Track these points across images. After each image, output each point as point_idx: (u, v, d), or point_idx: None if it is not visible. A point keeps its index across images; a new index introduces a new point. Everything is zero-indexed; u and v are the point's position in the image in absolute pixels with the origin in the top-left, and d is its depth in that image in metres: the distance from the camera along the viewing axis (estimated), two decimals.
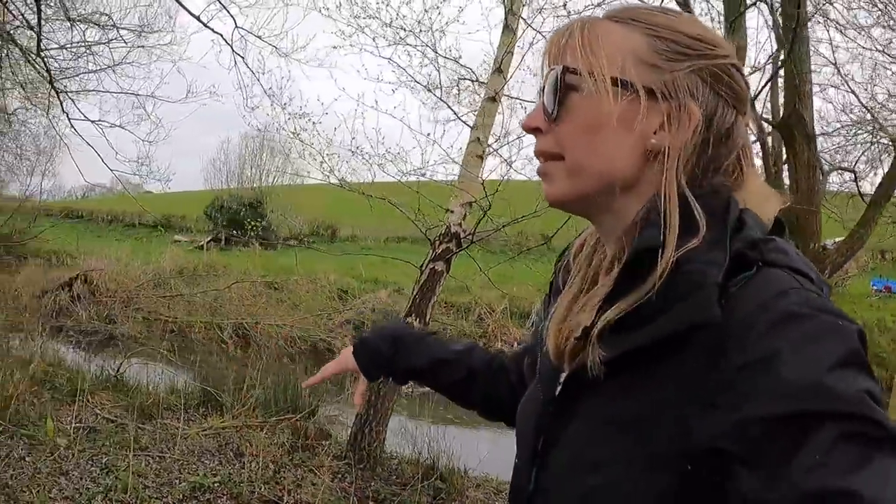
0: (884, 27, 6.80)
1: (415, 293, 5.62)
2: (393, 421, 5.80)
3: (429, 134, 5.81)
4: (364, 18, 6.52)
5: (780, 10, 5.11)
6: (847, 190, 7.69)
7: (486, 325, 12.32)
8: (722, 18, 5.13)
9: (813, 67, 5.42)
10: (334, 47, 7.05)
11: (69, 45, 11.77)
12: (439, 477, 5.24)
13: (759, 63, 5.83)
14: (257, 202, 27.80)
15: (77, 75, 12.21)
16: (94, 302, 12.65)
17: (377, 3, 6.52)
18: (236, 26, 9.48)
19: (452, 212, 5.64)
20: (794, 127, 4.68)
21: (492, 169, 10.43)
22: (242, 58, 9.51)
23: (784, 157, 5.22)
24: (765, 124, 5.18)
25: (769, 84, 5.41)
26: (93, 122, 10.65)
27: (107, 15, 11.69)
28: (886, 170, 5.82)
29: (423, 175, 5.91)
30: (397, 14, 6.52)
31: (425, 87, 6.49)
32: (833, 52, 6.77)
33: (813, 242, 4.75)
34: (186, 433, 5.40)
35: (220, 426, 5.65)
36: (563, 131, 0.83)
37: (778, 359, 0.65)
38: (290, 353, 10.59)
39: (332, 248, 17.84)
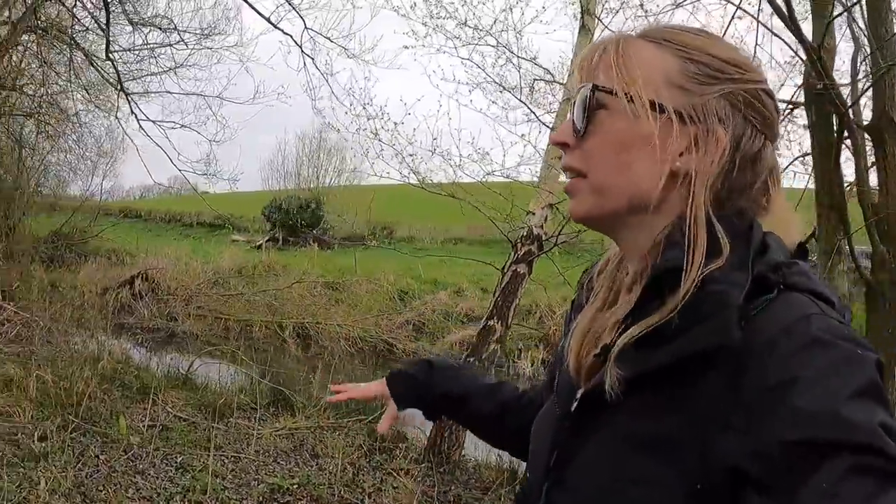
0: None
1: (496, 296, 5.49)
2: None
3: (524, 135, 5.70)
4: (440, 19, 6.41)
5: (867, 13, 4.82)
6: None
7: (547, 326, 11.99)
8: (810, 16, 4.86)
9: None
10: (405, 47, 7.00)
11: (134, 48, 11.91)
12: (520, 483, 5.00)
13: (844, 64, 5.69)
14: (315, 202, 27.91)
15: (140, 77, 12.36)
16: (155, 300, 12.73)
17: (453, 2, 6.41)
18: (306, 27, 9.47)
19: (534, 214, 5.54)
20: (884, 130, 4.43)
21: None
22: (312, 59, 9.51)
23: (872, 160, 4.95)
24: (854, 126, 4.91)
25: (851, 86, 5.11)
26: (161, 123, 10.74)
27: (168, 18, 11.80)
28: None
29: (507, 176, 5.78)
30: (473, 13, 6.39)
31: (503, 87, 6.34)
32: None
33: None
34: (260, 433, 5.26)
35: (293, 427, 5.50)
36: (591, 148, 0.83)
37: (797, 385, 0.65)
38: (351, 354, 10.45)
39: (399, 248, 17.70)
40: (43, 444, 4.69)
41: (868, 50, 5.06)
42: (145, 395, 6.11)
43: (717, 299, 0.71)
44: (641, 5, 5.98)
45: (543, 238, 5.48)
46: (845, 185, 4.36)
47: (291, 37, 9.77)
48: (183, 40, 11.96)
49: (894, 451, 0.61)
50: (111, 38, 10.94)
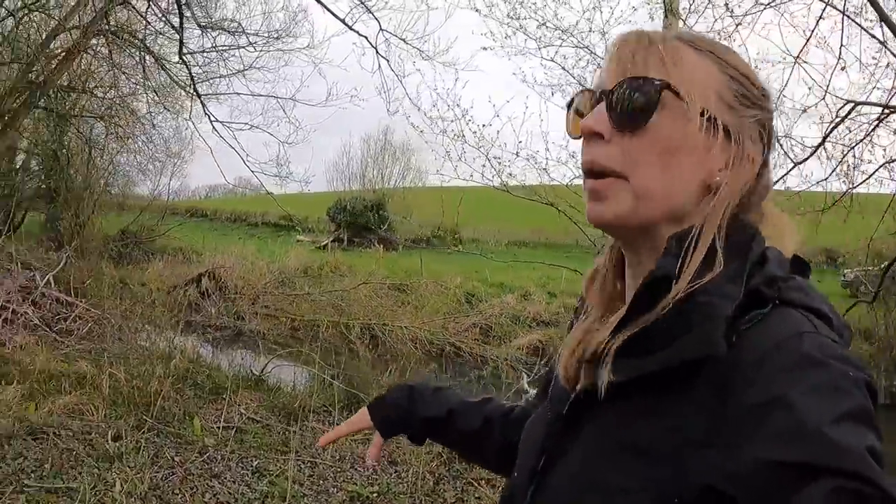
0: None
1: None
2: None
3: None
4: (520, 20, 6.25)
5: None
6: None
7: None
8: None
9: None
10: (484, 48, 6.91)
11: (203, 51, 11.99)
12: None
13: None
14: (379, 203, 27.97)
15: (210, 79, 12.44)
16: (222, 298, 12.79)
17: (535, 2, 6.29)
18: (381, 29, 9.39)
19: None
20: None
21: None
22: (387, 60, 9.44)
23: None
24: None
25: None
26: (230, 124, 10.78)
27: (236, 22, 11.85)
28: None
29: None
30: (555, 14, 6.24)
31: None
32: None
33: None
34: None
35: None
36: (634, 148, 0.78)
37: (784, 404, 0.62)
38: (419, 357, 10.25)
39: (469, 249, 17.53)
40: (117, 444, 4.60)
41: None
42: (218, 395, 6.01)
43: (704, 311, 0.71)
44: (726, 5, 5.84)
45: None
46: None
47: (367, 38, 9.71)
48: (251, 43, 12.00)
49: (878, 476, 0.59)
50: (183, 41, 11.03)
